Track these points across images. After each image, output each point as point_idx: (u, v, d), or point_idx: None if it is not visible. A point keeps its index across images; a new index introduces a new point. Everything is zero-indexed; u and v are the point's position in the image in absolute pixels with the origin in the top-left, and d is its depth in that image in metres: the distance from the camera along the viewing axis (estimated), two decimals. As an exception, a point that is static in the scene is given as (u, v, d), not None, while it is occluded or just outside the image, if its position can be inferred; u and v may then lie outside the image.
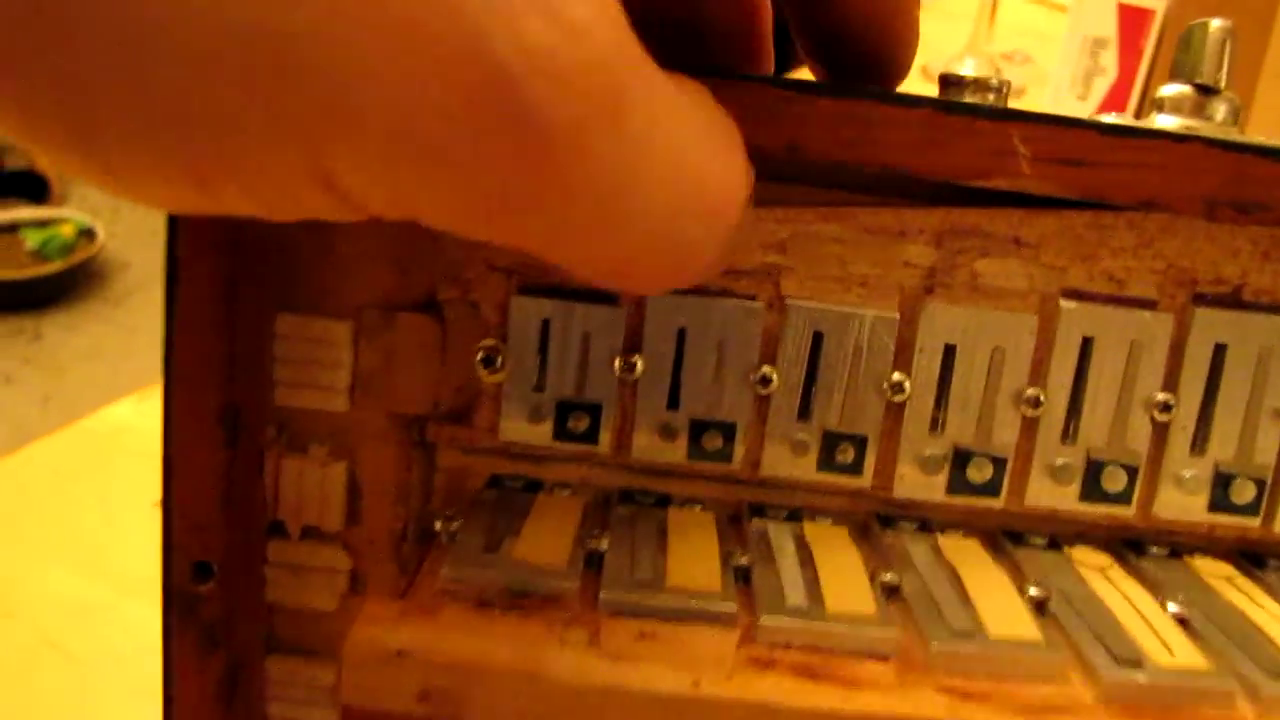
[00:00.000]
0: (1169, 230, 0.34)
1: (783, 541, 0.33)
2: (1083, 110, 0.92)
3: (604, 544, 0.32)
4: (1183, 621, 0.31)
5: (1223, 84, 0.34)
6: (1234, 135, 0.34)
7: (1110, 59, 0.91)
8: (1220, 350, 0.34)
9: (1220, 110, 0.34)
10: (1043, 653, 0.29)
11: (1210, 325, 0.34)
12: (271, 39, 0.17)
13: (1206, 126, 0.34)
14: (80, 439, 0.70)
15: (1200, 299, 0.34)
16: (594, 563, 0.31)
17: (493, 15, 0.18)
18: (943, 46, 1.24)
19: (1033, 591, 0.31)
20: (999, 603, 0.31)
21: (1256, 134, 0.35)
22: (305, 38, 0.17)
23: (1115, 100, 0.91)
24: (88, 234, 2.62)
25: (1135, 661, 0.28)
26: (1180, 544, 0.36)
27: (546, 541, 0.31)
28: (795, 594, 0.30)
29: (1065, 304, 0.34)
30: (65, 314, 2.52)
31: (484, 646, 0.28)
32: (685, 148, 0.23)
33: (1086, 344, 0.34)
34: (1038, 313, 0.34)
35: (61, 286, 2.55)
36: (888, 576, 0.31)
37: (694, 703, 0.27)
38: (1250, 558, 0.36)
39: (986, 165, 0.31)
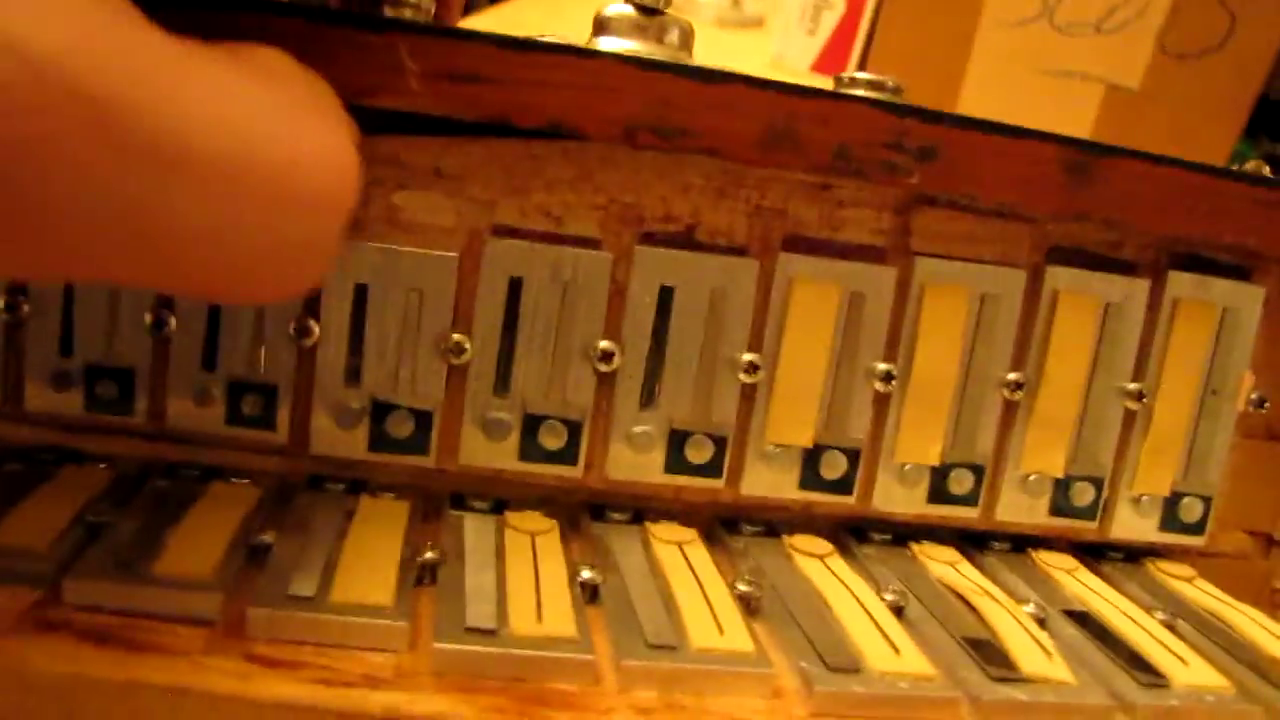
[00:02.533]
0: (610, 162, 0.31)
1: (176, 499, 0.29)
2: (810, 47, 0.90)
3: None
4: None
5: (663, 4, 0.31)
6: (679, 58, 0.31)
7: (838, -8, 0.90)
8: (667, 293, 0.31)
9: (672, 34, 0.31)
10: (381, 619, 0.25)
11: (656, 265, 0.31)
12: None
13: (656, 51, 0.31)
14: None
15: (649, 237, 0.31)
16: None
17: None
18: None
19: (427, 557, 0.28)
20: (369, 565, 0.27)
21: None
22: None
23: (843, 34, 0.89)
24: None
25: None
26: (643, 507, 0.33)
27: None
28: (122, 554, 0.27)
29: (492, 242, 0.31)
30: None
31: None
32: (251, 140, 0.20)
33: (516, 285, 0.31)
34: (463, 251, 0.31)
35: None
36: (263, 538, 0.28)
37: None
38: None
39: (373, 81, 0.28)
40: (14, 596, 0.25)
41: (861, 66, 0.90)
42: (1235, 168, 0.91)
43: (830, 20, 0.91)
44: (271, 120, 0.21)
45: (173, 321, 0.30)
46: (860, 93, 0.30)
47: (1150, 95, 0.84)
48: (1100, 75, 0.84)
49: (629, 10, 0.31)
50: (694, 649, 0.26)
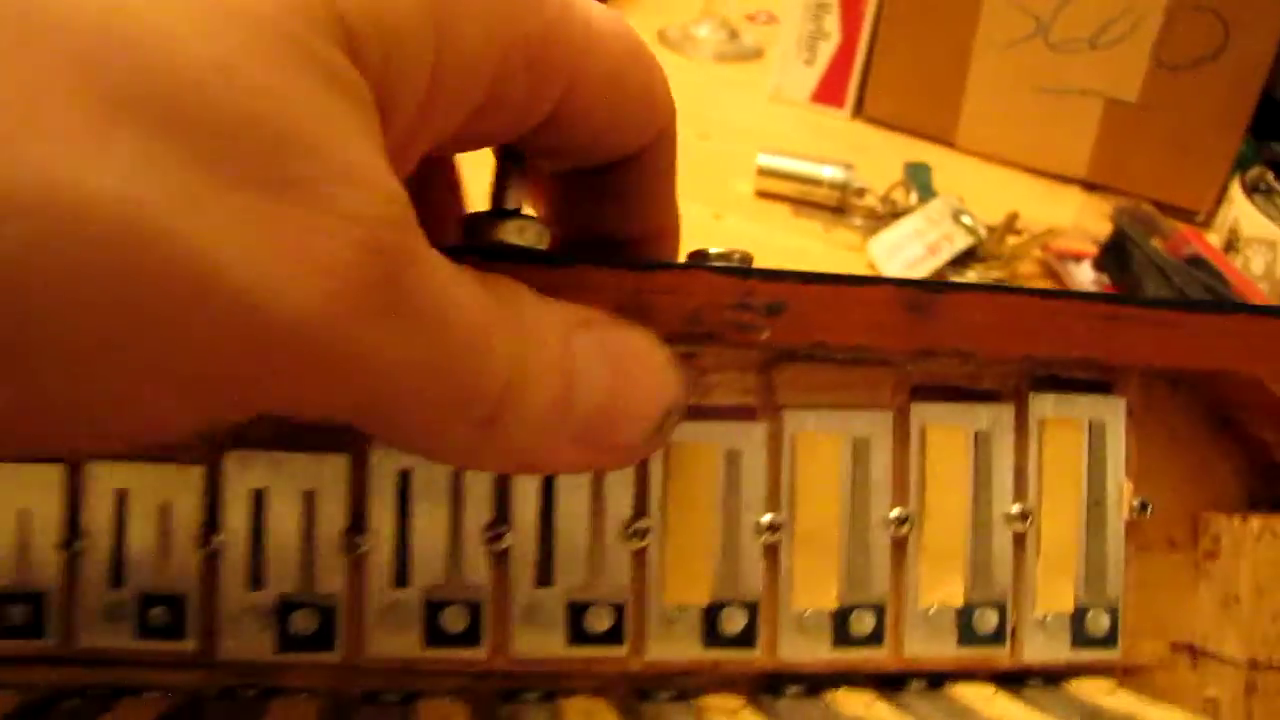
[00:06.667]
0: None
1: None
2: (808, 78, 0.92)
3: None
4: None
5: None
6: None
7: (833, 23, 0.91)
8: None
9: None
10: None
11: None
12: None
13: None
14: None
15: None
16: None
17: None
18: (678, 11, 1.17)
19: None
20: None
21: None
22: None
23: (840, 63, 0.90)
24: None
25: None
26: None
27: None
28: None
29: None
30: None
31: None
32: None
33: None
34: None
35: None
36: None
37: None
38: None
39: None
40: None
41: (860, 95, 0.91)
42: (1241, 173, 0.89)
43: (827, 50, 0.92)
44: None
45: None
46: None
47: (1149, 107, 0.83)
48: (1098, 90, 0.84)
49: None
50: None
